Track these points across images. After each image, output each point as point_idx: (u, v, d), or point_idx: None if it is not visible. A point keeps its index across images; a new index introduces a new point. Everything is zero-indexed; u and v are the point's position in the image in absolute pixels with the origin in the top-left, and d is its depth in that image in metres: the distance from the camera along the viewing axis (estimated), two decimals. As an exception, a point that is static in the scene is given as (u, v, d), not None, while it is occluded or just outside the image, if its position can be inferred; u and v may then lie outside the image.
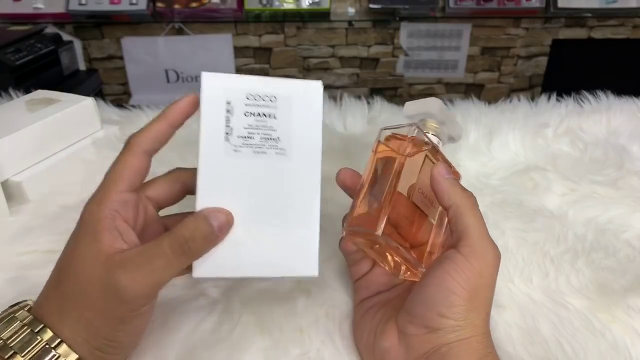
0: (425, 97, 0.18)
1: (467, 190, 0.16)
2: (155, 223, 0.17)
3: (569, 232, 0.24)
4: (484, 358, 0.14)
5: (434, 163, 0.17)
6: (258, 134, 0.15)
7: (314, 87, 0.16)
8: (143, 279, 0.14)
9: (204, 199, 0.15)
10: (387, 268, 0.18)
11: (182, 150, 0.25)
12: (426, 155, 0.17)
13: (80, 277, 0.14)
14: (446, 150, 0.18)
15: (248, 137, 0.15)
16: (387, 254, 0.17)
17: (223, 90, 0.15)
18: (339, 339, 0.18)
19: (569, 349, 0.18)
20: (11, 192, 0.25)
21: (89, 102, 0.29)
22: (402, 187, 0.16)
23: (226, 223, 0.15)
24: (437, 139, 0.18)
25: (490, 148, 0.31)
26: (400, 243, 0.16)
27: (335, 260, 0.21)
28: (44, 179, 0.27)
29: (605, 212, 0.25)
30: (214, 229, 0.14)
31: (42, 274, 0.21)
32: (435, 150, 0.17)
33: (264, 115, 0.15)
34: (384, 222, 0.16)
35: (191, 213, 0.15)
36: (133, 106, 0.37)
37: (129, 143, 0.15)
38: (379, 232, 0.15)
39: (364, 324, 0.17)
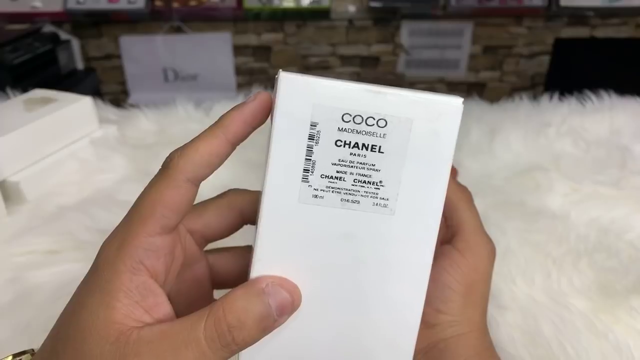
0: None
1: (461, 185, 0.16)
2: (197, 264, 0.13)
3: (571, 233, 0.23)
4: (482, 353, 0.14)
5: None
6: (352, 173, 0.10)
7: (449, 108, 0.10)
8: None
9: (262, 263, 0.10)
10: None
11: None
12: None
13: (81, 356, 0.10)
14: None
15: (336, 178, 0.10)
16: None
17: (309, 103, 0.10)
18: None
19: (571, 350, 0.18)
20: (9, 192, 0.25)
21: (86, 101, 0.29)
22: None
23: (290, 304, 0.10)
24: None
25: (491, 147, 0.30)
26: None
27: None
28: (41, 179, 0.27)
29: (608, 213, 0.25)
30: (272, 311, 0.10)
31: (40, 275, 0.20)
32: None
33: (365, 147, 0.10)
34: None
35: (249, 249, 0.11)
36: (131, 105, 0.36)
37: (168, 166, 0.11)
38: None
39: None
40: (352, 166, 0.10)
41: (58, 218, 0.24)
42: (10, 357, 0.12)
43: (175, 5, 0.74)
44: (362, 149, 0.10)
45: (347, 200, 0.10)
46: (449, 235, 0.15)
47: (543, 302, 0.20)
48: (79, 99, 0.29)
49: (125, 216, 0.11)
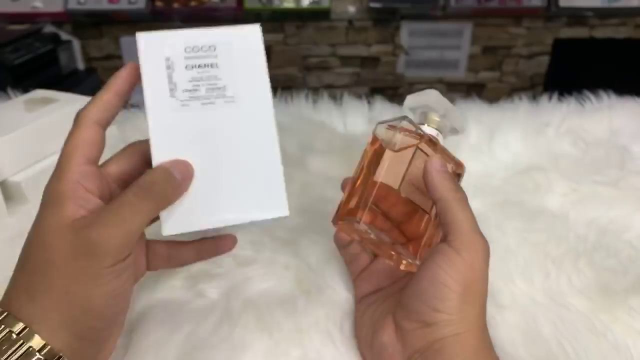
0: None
1: (457, 185, 0.16)
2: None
3: (570, 233, 0.24)
4: (480, 353, 0.14)
5: (428, 155, 0.17)
6: (203, 85, 0.15)
7: (252, 31, 0.16)
8: (113, 230, 0.13)
9: (158, 157, 0.15)
10: (388, 261, 0.18)
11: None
12: (417, 148, 0.17)
13: (46, 246, 0.13)
14: (449, 145, 0.18)
15: (193, 90, 0.15)
16: (385, 247, 0.17)
17: (160, 47, 0.15)
18: (339, 339, 0.18)
19: (570, 349, 0.18)
20: (10, 193, 0.25)
21: (87, 101, 0.29)
22: (391, 180, 0.16)
23: (187, 172, 0.15)
24: (437, 132, 0.18)
25: (491, 148, 0.30)
26: (393, 235, 0.16)
27: (335, 260, 0.21)
28: (42, 179, 0.26)
29: (607, 213, 0.25)
30: (177, 178, 0.14)
31: (41, 275, 0.20)
32: (431, 142, 0.17)
33: (206, 65, 0.15)
34: (348, 209, 0.16)
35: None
36: (132, 105, 0.36)
37: (77, 117, 0.15)
38: (358, 219, 0.16)
39: (364, 320, 0.17)
40: (201, 80, 0.15)
41: (59, 218, 0.24)
42: None
43: (176, 5, 0.75)
44: (204, 67, 0.15)
45: (206, 104, 0.15)
46: (443, 233, 0.15)
47: (542, 301, 0.20)
48: (80, 99, 0.29)
49: (58, 159, 0.15)
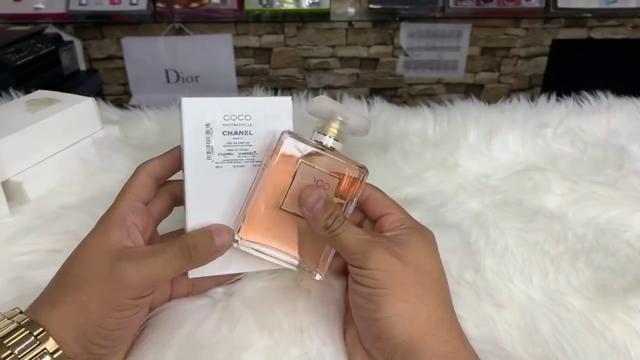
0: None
1: (327, 211, 0.16)
2: (157, 239, 0.18)
3: (568, 232, 0.24)
4: (439, 351, 0.14)
5: (313, 167, 0.17)
6: (236, 150, 0.17)
7: (284, 103, 0.18)
8: (146, 270, 0.15)
9: (192, 213, 0.17)
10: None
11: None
12: (301, 161, 0.17)
13: (84, 264, 0.15)
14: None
15: (227, 154, 0.17)
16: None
17: (202, 113, 0.17)
18: (339, 338, 0.18)
19: (569, 348, 0.18)
20: (11, 192, 0.25)
21: (89, 102, 0.29)
22: (269, 197, 0.17)
23: (228, 242, 0.16)
24: (329, 139, 0.17)
25: (489, 148, 0.31)
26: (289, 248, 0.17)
27: (335, 260, 0.21)
28: (44, 179, 0.27)
29: (605, 212, 0.25)
30: (216, 246, 0.16)
31: (43, 274, 0.21)
32: (316, 153, 0.17)
33: (241, 132, 0.17)
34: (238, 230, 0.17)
35: (182, 230, 0.17)
36: (133, 106, 0.37)
37: (136, 169, 0.17)
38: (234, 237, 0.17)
39: (349, 342, 0.18)
40: (235, 145, 0.17)
41: (60, 218, 0.24)
42: None
43: (177, 7, 0.75)
44: (239, 134, 0.17)
45: (237, 166, 0.17)
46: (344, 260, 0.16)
47: (541, 301, 0.20)
48: (82, 99, 0.29)
49: (116, 198, 0.17)
